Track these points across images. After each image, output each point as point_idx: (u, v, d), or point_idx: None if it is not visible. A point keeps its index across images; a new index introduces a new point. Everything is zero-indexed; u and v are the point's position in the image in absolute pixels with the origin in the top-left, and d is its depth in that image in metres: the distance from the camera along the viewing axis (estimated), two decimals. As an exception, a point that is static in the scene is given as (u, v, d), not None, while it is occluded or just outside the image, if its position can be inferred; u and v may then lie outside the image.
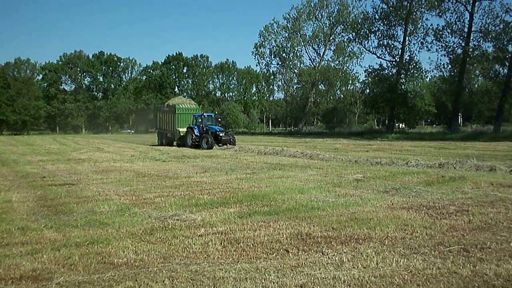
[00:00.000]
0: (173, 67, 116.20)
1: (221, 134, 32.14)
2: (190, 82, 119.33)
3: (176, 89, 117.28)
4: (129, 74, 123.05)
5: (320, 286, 5.05)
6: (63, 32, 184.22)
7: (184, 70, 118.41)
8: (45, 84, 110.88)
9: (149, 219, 8.53)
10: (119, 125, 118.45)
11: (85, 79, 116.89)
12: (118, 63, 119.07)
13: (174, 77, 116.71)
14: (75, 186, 13.24)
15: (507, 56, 48.86)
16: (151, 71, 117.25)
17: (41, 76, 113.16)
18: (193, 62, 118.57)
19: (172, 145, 36.91)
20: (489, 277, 5.25)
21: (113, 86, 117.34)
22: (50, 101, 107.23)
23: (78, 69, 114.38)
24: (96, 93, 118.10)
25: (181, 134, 35.19)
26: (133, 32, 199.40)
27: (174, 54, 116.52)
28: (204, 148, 30.58)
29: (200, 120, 33.27)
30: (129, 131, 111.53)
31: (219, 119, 36.32)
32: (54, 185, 13.36)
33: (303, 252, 6.38)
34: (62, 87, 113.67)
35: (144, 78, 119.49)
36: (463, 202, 9.74)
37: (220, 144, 32.03)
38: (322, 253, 6.29)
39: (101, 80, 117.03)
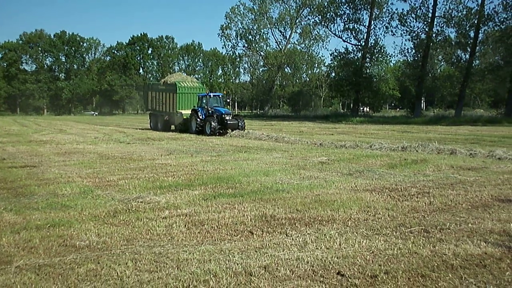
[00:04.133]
0: (138, 48, 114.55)
1: (227, 118, 27.12)
2: (155, 64, 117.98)
3: (141, 70, 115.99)
4: (93, 55, 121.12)
5: (284, 267, 5.08)
6: (23, 10, 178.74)
7: (149, 51, 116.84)
8: (5, 64, 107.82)
9: (113, 202, 8.42)
10: (82, 106, 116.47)
11: (47, 59, 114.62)
12: (81, 43, 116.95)
13: (138, 58, 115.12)
14: (36, 168, 12.96)
15: (469, 42, 49.76)
16: (115, 51, 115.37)
17: (0, 55, 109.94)
18: (158, 43, 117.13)
19: (170, 130, 32.46)
20: (448, 256, 5.38)
21: (75, 67, 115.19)
22: (10, 81, 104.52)
23: (39, 48, 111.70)
24: (58, 74, 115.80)
25: (184, 117, 30.37)
26: (96, 11, 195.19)
27: (139, 35, 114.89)
28: (207, 134, 26.70)
29: (204, 101, 28.39)
30: (93, 113, 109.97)
31: (227, 100, 32.12)
32: (14, 167, 13.05)
33: (267, 234, 6.40)
34: (22, 67, 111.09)
35: (108, 59, 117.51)
36: (424, 184, 9.94)
37: (226, 130, 27.11)
38: (286, 235, 6.33)
39: (63, 60, 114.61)
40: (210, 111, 27.81)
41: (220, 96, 30.52)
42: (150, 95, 35.97)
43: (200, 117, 27.77)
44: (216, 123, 26.80)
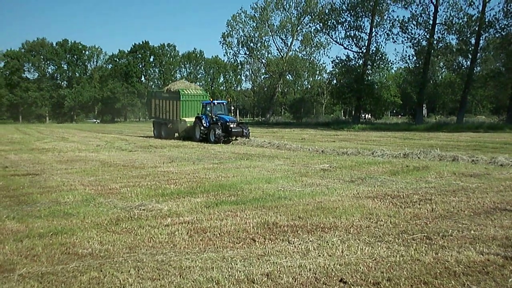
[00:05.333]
0: (140, 56, 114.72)
1: (231, 125, 26.72)
2: (157, 71, 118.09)
3: (143, 78, 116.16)
4: (95, 63, 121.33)
5: (286, 275, 5.08)
6: (25, 19, 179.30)
7: (151, 59, 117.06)
8: (7, 72, 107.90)
9: (115, 209, 8.43)
10: (84, 114, 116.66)
11: (49, 67, 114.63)
12: (83, 51, 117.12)
13: (140, 66, 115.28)
14: (38, 176, 12.98)
15: (470, 49, 49.76)
16: (117, 59, 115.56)
17: (2, 63, 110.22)
18: (160, 51, 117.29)
19: (174, 137, 31.84)
20: (451, 263, 5.37)
21: (78, 75, 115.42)
22: (13, 90, 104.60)
23: (42, 57, 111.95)
24: (60, 82, 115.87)
25: (188, 125, 29.92)
26: (98, 20, 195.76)
27: (141, 43, 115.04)
28: (211, 141, 26.38)
29: (209, 108, 28.05)
30: (95, 120, 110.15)
31: (232, 108, 31.65)
32: (17, 175, 13.08)
33: (270, 241, 6.41)
34: (24, 75, 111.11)
35: (110, 67, 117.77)
36: (426, 191, 9.93)
37: (231, 138, 26.93)
38: (289, 242, 6.33)
39: (65, 68, 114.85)
40: (214, 119, 27.44)
41: (225, 103, 30.19)
42: (154, 102, 35.51)
43: (205, 124, 27.42)
44: (221, 131, 26.38)
